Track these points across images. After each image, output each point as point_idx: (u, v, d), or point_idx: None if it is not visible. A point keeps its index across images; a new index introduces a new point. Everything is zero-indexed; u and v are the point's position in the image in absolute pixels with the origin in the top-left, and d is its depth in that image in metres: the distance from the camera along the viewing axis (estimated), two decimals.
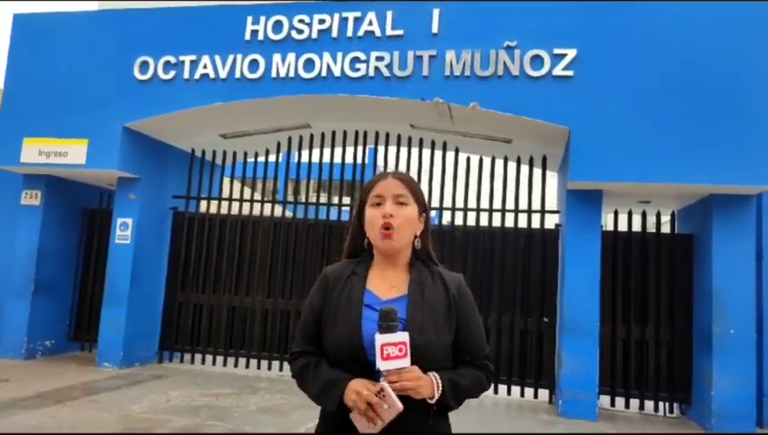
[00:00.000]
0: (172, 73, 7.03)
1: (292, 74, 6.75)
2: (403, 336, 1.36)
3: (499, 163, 7.59)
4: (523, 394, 6.91)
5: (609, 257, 6.75)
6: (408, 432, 1.42)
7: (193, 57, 7.00)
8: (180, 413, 5.33)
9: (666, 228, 7.33)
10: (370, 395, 1.33)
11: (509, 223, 7.30)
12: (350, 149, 8.43)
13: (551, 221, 7.33)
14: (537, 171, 7.52)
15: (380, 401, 1.31)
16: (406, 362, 1.36)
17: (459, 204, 7.46)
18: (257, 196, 8.74)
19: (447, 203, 7.63)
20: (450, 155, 7.63)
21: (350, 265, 1.59)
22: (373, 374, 1.39)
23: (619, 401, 6.66)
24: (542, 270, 7.02)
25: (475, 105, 6.32)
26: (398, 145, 7.72)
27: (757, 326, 6.03)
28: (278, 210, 8.18)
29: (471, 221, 7.39)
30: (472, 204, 7.39)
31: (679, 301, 6.63)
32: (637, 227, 7.21)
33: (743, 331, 5.85)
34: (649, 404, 6.65)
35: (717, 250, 6.02)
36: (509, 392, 6.91)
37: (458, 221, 7.45)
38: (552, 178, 8.04)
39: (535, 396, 6.88)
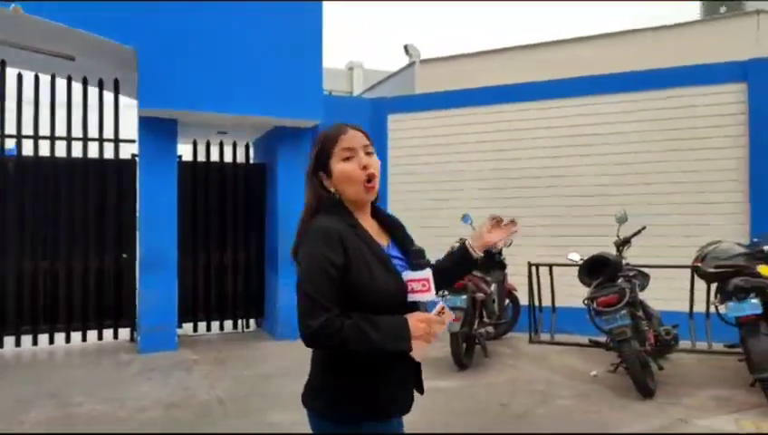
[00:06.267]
0: None
1: None
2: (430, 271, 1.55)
3: (62, 84, 6.55)
4: (101, 337, 6.45)
5: (189, 188, 6.74)
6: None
7: None
8: None
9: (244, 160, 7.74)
10: (434, 317, 1.49)
11: (77, 153, 6.46)
12: None
13: (127, 151, 6.81)
14: (110, 97, 6.81)
15: (441, 318, 1.49)
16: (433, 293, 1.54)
17: (11, 130, 6.19)
18: None
19: None
20: None
21: (337, 218, 1.56)
22: (407, 310, 1.51)
23: (202, 326, 6.91)
24: (118, 204, 6.51)
25: (16, 8, 5.19)
26: None
27: None
28: None
29: (28, 151, 6.24)
30: (28, 131, 6.23)
31: (254, 226, 7.16)
32: (216, 157, 7.37)
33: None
34: (229, 324, 7.11)
35: (282, 177, 6.67)
36: (84, 338, 6.35)
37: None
38: (133, 106, 7.43)
39: (115, 337, 6.52)
